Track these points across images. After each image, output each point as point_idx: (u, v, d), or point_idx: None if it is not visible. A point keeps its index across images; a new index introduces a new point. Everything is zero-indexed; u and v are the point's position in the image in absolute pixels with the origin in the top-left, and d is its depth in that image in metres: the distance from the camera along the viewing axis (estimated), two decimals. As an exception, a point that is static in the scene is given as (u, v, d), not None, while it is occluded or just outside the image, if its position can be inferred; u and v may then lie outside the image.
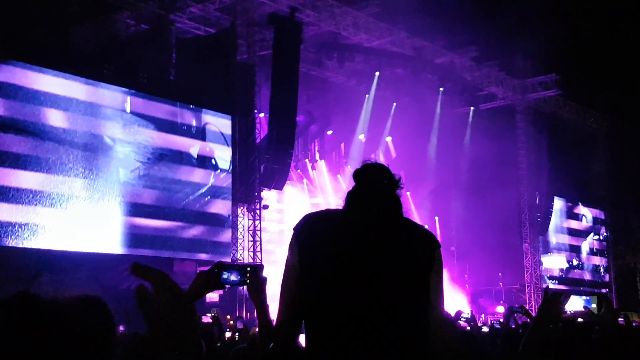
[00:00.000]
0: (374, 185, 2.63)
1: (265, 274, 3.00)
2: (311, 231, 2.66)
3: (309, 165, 27.42)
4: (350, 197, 2.65)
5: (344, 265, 2.53)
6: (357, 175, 2.69)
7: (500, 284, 29.57)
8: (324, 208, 2.88)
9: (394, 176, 2.66)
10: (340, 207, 2.67)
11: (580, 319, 5.07)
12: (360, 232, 2.57)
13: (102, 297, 1.62)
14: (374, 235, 2.57)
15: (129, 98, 19.73)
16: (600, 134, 35.60)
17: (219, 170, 21.62)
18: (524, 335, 3.46)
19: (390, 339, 2.49)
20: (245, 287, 2.96)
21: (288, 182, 23.87)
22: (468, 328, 9.92)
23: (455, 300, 26.36)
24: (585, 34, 33.07)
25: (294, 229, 2.70)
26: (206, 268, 2.88)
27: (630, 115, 36.73)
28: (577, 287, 33.91)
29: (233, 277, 2.87)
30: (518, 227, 31.13)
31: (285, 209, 26.22)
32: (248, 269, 2.93)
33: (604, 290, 35.65)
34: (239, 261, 21.40)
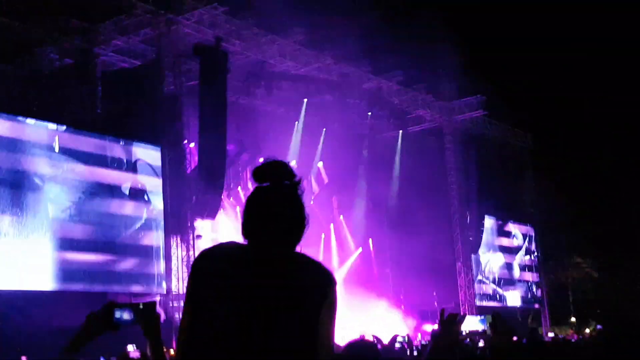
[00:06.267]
0: (275, 188, 2.58)
1: None
2: (205, 268, 2.56)
3: (241, 194, 27.41)
4: (250, 209, 2.58)
5: (230, 303, 2.47)
6: (256, 174, 2.62)
7: (435, 303, 29.86)
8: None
9: (294, 175, 2.62)
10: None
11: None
12: (251, 269, 2.51)
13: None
14: (264, 272, 2.50)
15: (56, 136, 19.37)
16: (526, 153, 36.06)
17: (151, 203, 21.48)
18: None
19: None
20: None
21: (221, 210, 23.83)
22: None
23: (392, 324, 26.53)
24: (508, 54, 34.15)
25: (192, 265, 2.61)
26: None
27: (554, 133, 37.93)
28: (514, 305, 34.49)
29: (126, 316, 2.77)
30: (451, 246, 31.51)
31: (219, 238, 26.09)
32: (140, 306, 2.84)
33: (536, 306, 36.31)
34: (172, 294, 21.22)
